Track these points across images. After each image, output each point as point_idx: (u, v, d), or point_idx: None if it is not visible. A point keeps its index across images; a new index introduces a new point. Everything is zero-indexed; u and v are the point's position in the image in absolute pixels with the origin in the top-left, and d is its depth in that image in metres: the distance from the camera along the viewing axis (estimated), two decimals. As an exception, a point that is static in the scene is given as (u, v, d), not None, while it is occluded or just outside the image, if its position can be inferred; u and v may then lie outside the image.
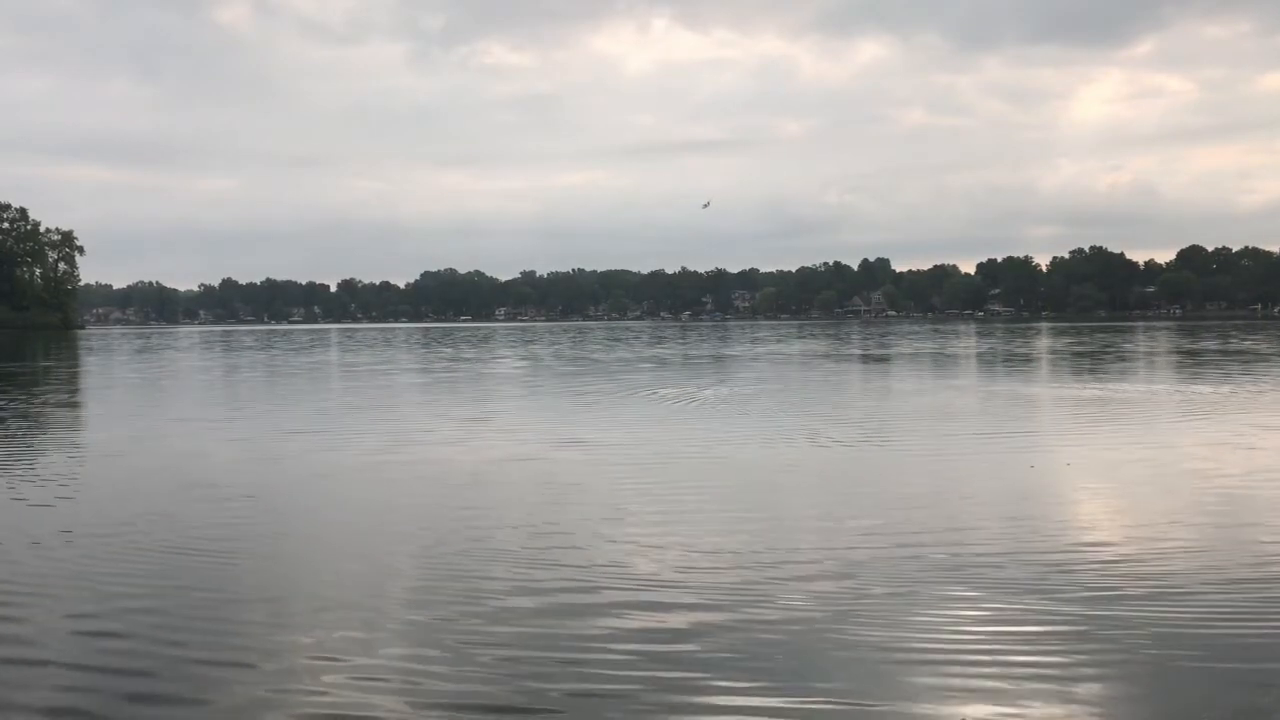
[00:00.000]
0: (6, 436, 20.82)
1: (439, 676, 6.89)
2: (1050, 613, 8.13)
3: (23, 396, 32.20)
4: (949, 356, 55.18)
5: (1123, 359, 49.46)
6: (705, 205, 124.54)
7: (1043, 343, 72.66)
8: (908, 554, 9.97)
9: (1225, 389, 29.54)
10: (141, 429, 22.12)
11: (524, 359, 56.51)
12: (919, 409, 25.20)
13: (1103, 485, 14.35)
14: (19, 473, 15.83)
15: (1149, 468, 15.57)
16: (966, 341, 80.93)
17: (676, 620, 8.00)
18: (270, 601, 8.63)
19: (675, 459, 16.68)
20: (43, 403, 30.52)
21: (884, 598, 8.54)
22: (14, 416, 24.93)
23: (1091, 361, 47.29)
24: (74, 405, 30.43)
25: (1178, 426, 20.91)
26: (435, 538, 10.95)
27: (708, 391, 31.22)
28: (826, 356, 56.13)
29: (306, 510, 12.86)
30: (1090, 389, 30.78)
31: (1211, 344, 65.60)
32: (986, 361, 49.60)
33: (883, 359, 53.36)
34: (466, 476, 15.09)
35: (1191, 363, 44.89)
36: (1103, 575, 9.23)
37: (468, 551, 10.27)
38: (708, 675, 6.87)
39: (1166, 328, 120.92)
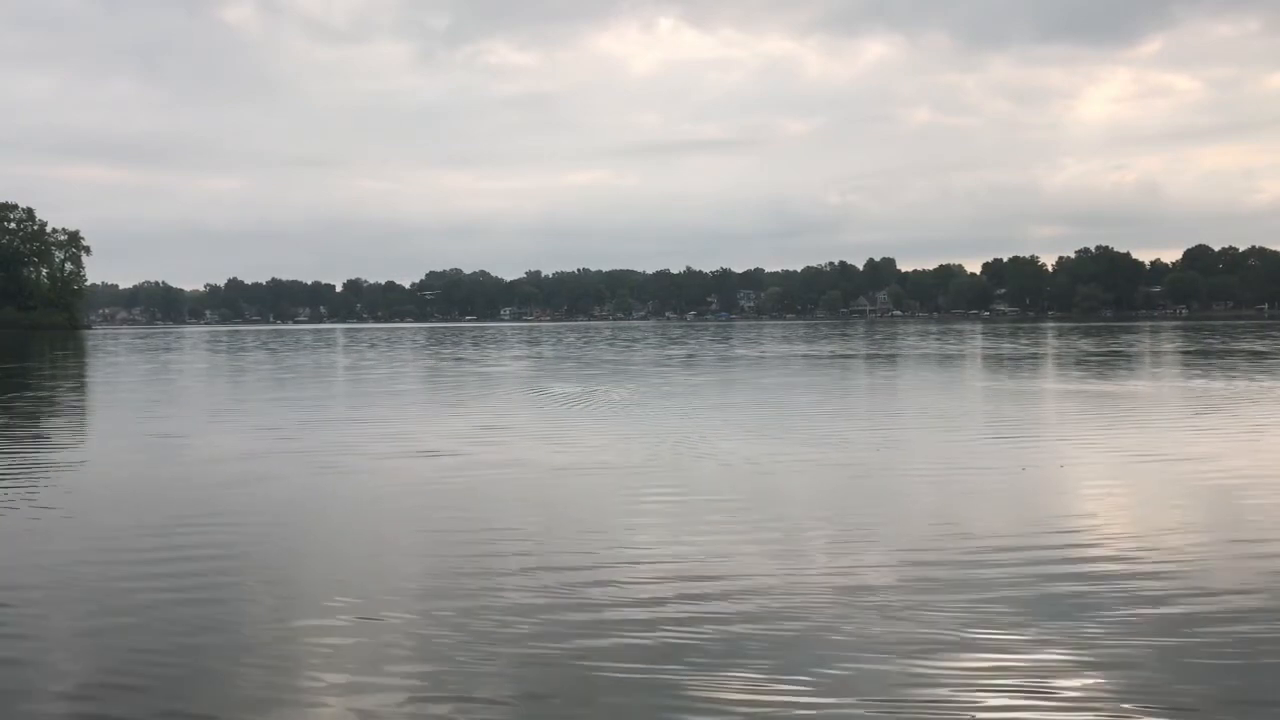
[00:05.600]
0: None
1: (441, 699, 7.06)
2: (1047, 613, 8.21)
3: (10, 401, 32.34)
4: (997, 359, 55.13)
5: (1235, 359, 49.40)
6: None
7: (1082, 344, 71.68)
8: (907, 557, 10.05)
9: None
10: (125, 442, 22.14)
11: (534, 359, 56.62)
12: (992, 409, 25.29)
13: (1098, 487, 14.42)
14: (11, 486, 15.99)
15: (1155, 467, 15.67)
16: (989, 342, 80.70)
17: (670, 625, 8.10)
18: (267, 621, 8.77)
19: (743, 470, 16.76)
20: (31, 408, 30.69)
21: (876, 600, 8.62)
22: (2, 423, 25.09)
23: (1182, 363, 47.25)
24: (60, 412, 30.54)
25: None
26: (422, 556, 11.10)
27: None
28: (872, 359, 56.16)
29: (293, 534, 12.99)
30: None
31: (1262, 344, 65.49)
32: (1027, 363, 49.59)
33: (945, 359, 53.37)
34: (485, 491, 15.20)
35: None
36: (1098, 575, 9.29)
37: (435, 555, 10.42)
38: (704, 682, 6.95)
39: (1183, 328, 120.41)
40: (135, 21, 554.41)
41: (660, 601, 8.71)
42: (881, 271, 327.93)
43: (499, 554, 10.44)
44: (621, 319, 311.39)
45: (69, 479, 15.77)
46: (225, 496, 13.89)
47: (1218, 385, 32.05)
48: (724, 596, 8.85)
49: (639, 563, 10.02)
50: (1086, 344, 71.56)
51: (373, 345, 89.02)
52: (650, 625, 8.09)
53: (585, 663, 7.32)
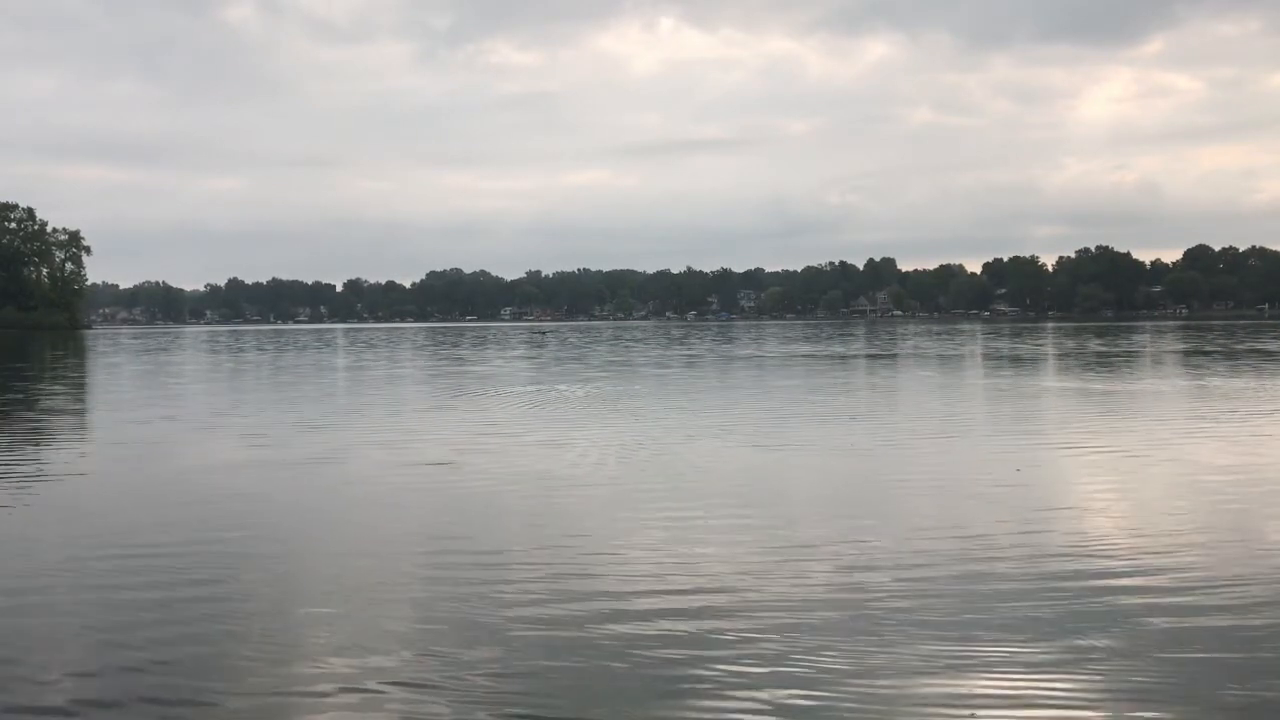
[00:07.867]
0: None
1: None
2: (1042, 615, 7.86)
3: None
4: (1015, 360, 54.78)
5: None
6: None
7: (1094, 344, 70.94)
8: (910, 559, 9.62)
9: None
10: (111, 450, 21.67)
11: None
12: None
13: (1092, 487, 13.95)
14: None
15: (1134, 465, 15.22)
16: (999, 342, 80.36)
17: (659, 633, 7.68)
18: (263, 633, 8.32)
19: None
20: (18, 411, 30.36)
21: (880, 617, 8.18)
22: None
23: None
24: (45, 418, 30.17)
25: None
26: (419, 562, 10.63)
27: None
28: (875, 358, 55.84)
29: (280, 549, 12.56)
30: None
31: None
32: (1045, 364, 49.24)
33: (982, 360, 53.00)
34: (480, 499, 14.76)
35: None
36: (1092, 576, 9.04)
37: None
38: (698, 688, 6.56)
39: (1187, 327, 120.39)
40: (135, 21, 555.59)
41: (652, 622, 8.26)
42: (882, 271, 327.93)
43: (489, 577, 9.97)
44: (622, 319, 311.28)
45: (50, 489, 15.29)
46: (211, 511, 13.42)
47: (1237, 384, 31.68)
48: (718, 617, 8.37)
49: (627, 591, 9.55)
50: (1098, 344, 71.21)
51: (371, 346, 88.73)
52: (646, 654, 7.63)
53: (579, 698, 6.88)
